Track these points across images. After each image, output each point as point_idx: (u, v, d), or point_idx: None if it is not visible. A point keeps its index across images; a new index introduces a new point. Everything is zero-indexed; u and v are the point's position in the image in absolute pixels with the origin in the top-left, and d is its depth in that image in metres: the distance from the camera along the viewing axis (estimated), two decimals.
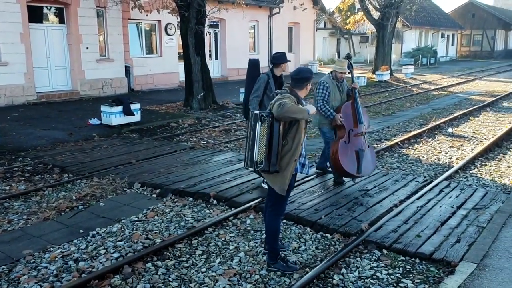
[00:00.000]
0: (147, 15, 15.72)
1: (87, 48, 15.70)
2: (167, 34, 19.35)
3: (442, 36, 44.18)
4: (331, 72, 6.49)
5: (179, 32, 14.79)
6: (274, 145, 3.89)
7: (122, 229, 5.29)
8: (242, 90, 15.27)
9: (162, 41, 19.28)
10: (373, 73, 24.88)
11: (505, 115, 13.48)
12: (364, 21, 28.51)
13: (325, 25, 40.88)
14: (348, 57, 6.68)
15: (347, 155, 6.15)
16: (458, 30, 47.97)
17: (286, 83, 4.31)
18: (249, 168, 4.12)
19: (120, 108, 10.99)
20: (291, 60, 27.29)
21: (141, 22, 18.55)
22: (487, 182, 7.20)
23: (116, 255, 4.62)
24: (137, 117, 11.39)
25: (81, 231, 5.25)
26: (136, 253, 4.64)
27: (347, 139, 6.21)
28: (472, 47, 50.65)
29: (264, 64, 24.96)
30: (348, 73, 6.54)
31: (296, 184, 6.18)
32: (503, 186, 6.96)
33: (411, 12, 29.46)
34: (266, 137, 3.89)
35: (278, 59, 6.11)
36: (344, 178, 6.59)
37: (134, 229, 5.28)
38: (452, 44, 47.82)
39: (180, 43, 15.31)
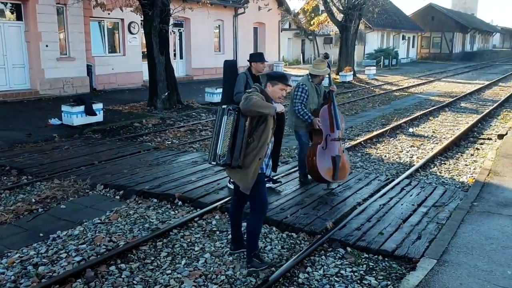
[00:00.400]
0: (109, 13, 15.39)
1: (47, 46, 15.22)
2: (131, 32, 19.02)
3: (403, 38, 45.32)
4: (309, 74, 6.28)
5: (143, 31, 14.57)
6: (239, 139, 3.86)
7: (84, 231, 5.17)
8: (208, 89, 15.29)
9: (125, 40, 18.93)
10: (337, 74, 25.24)
11: (462, 115, 13.96)
12: (328, 22, 28.86)
13: (290, 26, 41.21)
14: (326, 57, 6.49)
15: (324, 161, 6.08)
16: (418, 33, 49.34)
17: (255, 85, 4.21)
18: (212, 163, 4.05)
19: (81, 108, 10.74)
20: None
21: (104, 20, 18.15)
22: (446, 180, 7.44)
23: (78, 258, 4.51)
24: (99, 117, 11.16)
25: (41, 234, 5.09)
26: (99, 256, 4.54)
27: (324, 144, 6.12)
28: (431, 49, 52.22)
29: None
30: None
31: None
32: (461, 184, 7.20)
33: (373, 14, 30.05)
34: (231, 131, 3.87)
35: (253, 57, 6.09)
36: (309, 178, 6.58)
37: (97, 231, 5.16)
38: (413, 46, 49.14)
39: (144, 42, 15.09)
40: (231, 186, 6.11)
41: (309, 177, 6.55)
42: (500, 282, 3.89)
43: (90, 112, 10.86)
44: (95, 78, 17.62)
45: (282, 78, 4.12)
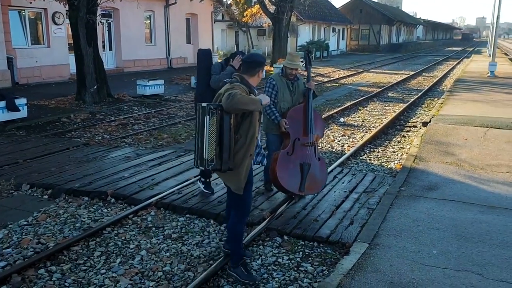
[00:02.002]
0: (30, 2, 14.52)
1: None
2: (55, 23, 18.06)
3: (334, 30, 46.63)
4: (282, 68, 5.67)
5: (69, 22, 13.88)
6: (226, 140, 3.57)
7: (9, 235, 4.87)
8: (140, 82, 14.86)
9: (50, 31, 17.95)
10: (271, 66, 25.50)
11: (390, 104, 14.61)
12: (260, 14, 29.11)
13: (223, 17, 41.01)
14: (308, 52, 6.05)
15: (288, 169, 5.27)
16: (348, 25, 51.00)
17: (235, 75, 3.93)
18: (200, 167, 3.79)
19: (2, 103, 10.06)
20: (190, 52, 26.50)
21: (24, 10, 17.08)
22: (376, 167, 7.76)
23: (2, 264, 4.25)
24: (23, 113, 10.53)
25: None
26: (26, 259, 4.30)
27: (290, 149, 5.31)
28: (360, 41, 54.21)
29: (163, 56, 24.45)
30: (304, 70, 5.86)
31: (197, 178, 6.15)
32: (389, 170, 7.55)
33: (304, 6, 30.65)
34: (216, 132, 3.56)
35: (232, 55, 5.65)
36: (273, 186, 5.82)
37: (24, 234, 4.89)
38: (343, 38, 50.74)
39: (70, 33, 14.39)
40: (207, 191, 5.90)
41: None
42: (427, 261, 4.12)
43: (12, 107, 10.20)
44: (17, 72, 16.59)
45: (262, 63, 3.93)
